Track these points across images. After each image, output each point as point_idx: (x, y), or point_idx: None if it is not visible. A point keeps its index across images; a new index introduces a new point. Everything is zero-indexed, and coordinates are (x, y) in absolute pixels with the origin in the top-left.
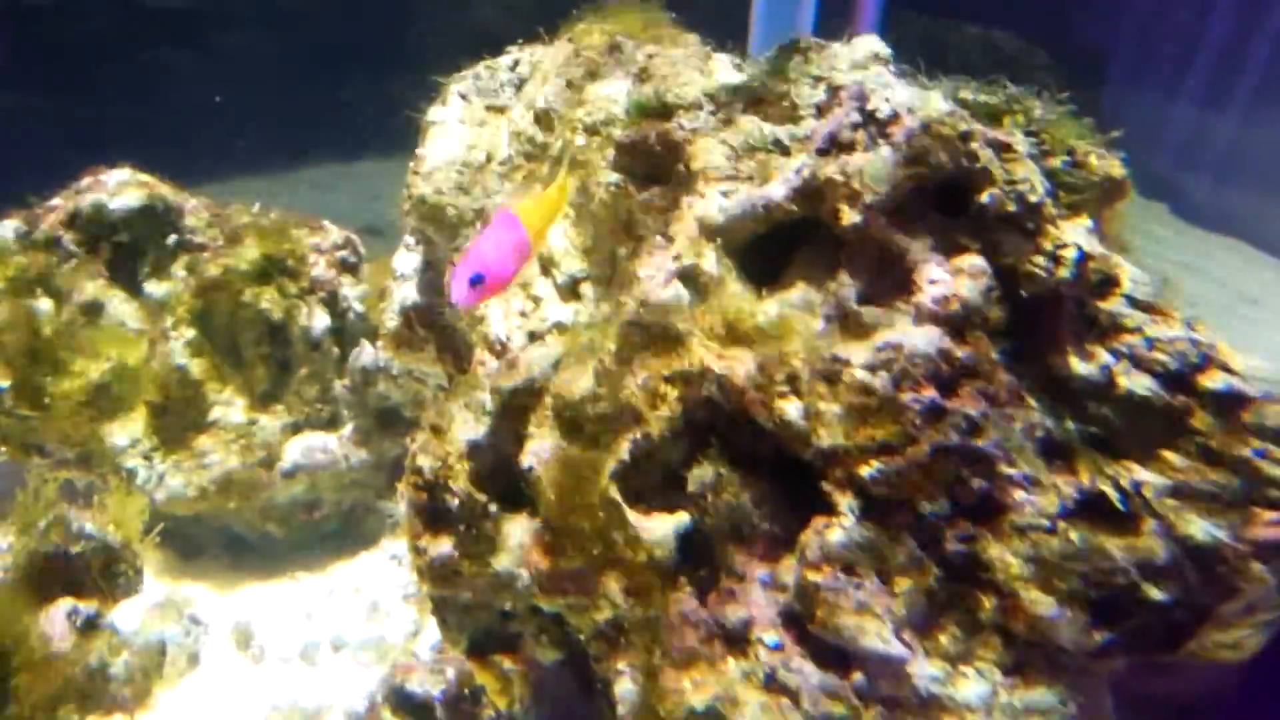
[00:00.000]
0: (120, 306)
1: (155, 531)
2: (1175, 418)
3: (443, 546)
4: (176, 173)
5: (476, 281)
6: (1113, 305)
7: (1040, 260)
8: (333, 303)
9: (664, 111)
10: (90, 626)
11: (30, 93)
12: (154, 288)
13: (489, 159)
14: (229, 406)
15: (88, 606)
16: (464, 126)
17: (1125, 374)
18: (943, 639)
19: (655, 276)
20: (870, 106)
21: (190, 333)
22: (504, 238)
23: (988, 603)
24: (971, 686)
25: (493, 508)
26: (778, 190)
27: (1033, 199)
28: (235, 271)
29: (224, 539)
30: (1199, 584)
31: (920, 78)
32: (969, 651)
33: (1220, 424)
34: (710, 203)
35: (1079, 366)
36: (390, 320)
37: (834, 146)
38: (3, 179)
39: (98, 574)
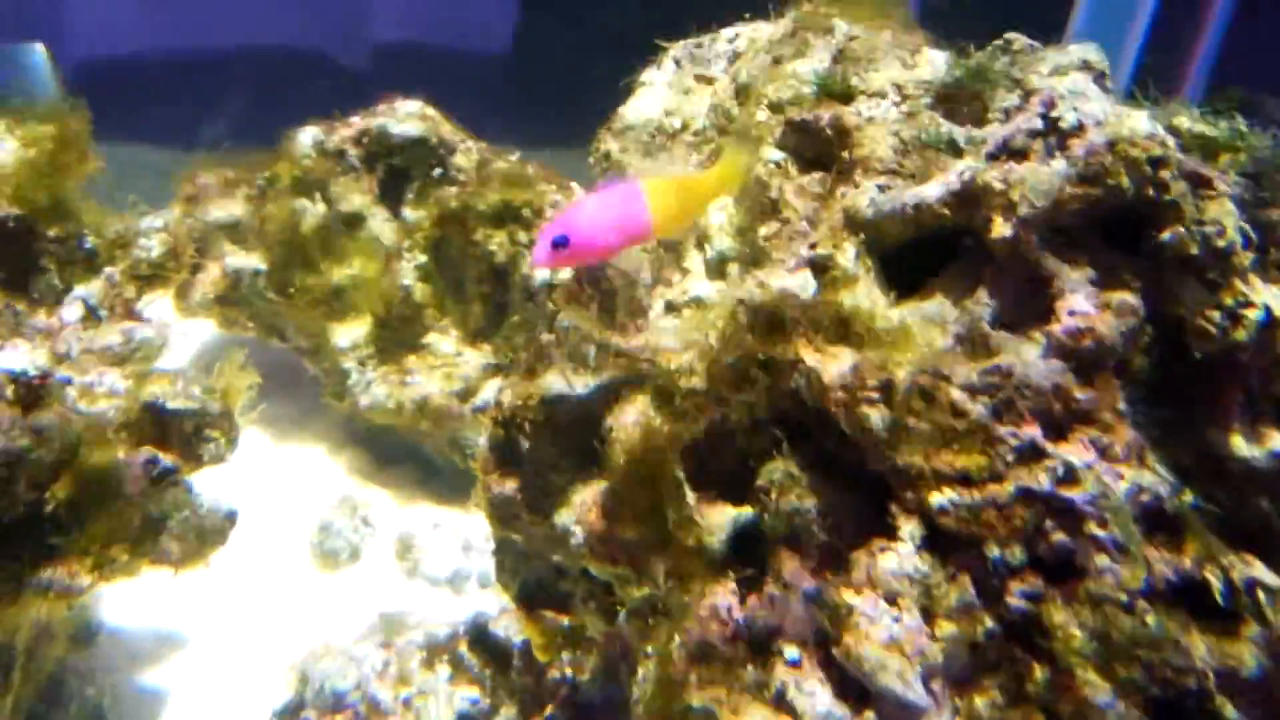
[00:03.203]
0: (380, 224)
1: (256, 410)
2: None
3: (507, 487)
4: None
5: (559, 244)
6: None
7: (1215, 316)
8: None
9: (846, 94)
10: (163, 478)
11: None
12: (410, 212)
13: (684, 127)
14: (443, 335)
15: (167, 460)
16: (669, 91)
17: None
18: (979, 701)
19: (786, 261)
20: (1055, 114)
21: (422, 258)
22: (612, 207)
23: (1039, 673)
24: None
25: (563, 459)
26: (932, 190)
27: (1219, 244)
28: (473, 210)
29: (419, 458)
30: None
31: (1144, 102)
32: None
33: None
34: (862, 195)
35: (1241, 447)
36: (565, 273)
37: (1005, 152)
38: None
39: (189, 434)
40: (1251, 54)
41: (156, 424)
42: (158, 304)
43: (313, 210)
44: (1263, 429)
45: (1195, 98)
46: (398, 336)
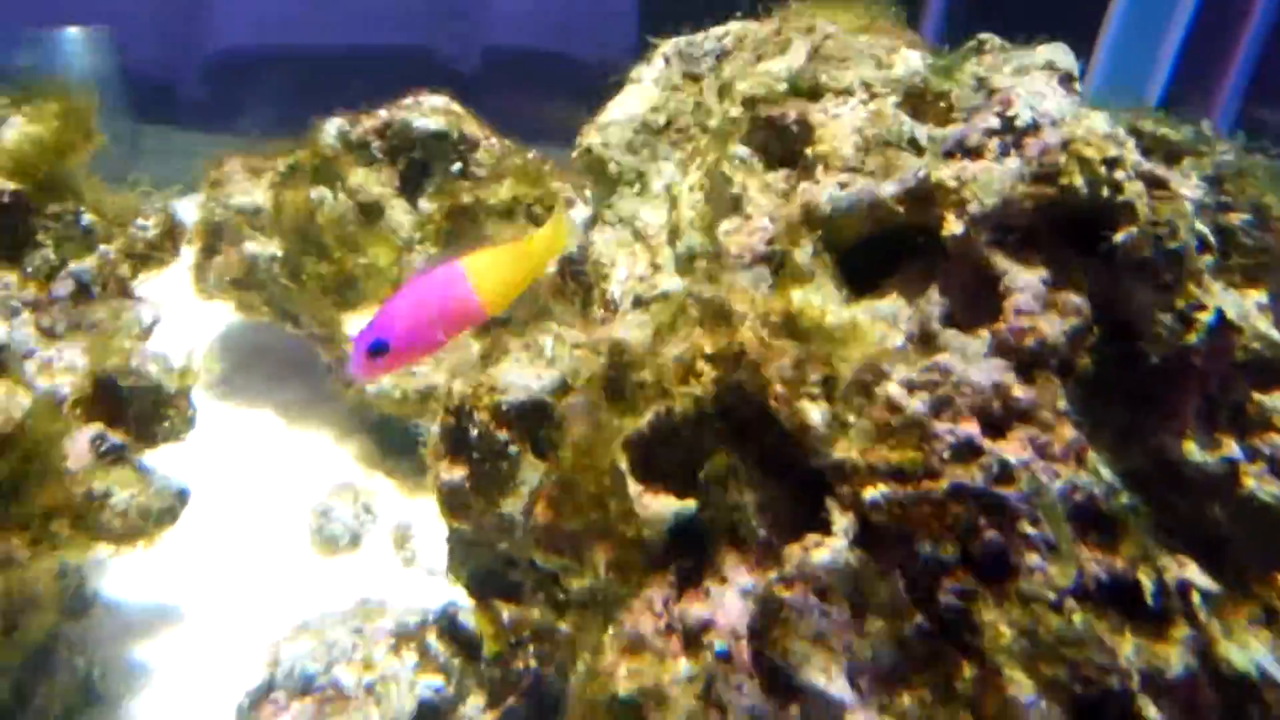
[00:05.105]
0: (399, 216)
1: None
2: None
3: (456, 474)
4: None
5: (377, 350)
6: (1274, 399)
7: (1166, 318)
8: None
9: (815, 92)
10: (110, 455)
11: None
12: (427, 205)
13: (668, 124)
14: None
15: (116, 437)
16: (656, 88)
17: (1255, 475)
18: (906, 699)
19: (743, 257)
20: (1011, 113)
21: (434, 250)
22: (432, 298)
23: (968, 671)
24: None
25: (512, 448)
26: (888, 188)
27: (1171, 244)
28: (483, 204)
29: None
30: None
31: (1116, 109)
32: None
33: None
34: (821, 190)
35: (1194, 453)
36: (550, 267)
37: (960, 150)
38: None
39: (144, 412)
40: None
41: (110, 400)
42: (176, 284)
43: (330, 199)
44: (1219, 435)
45: (1225, 123)
46: None
